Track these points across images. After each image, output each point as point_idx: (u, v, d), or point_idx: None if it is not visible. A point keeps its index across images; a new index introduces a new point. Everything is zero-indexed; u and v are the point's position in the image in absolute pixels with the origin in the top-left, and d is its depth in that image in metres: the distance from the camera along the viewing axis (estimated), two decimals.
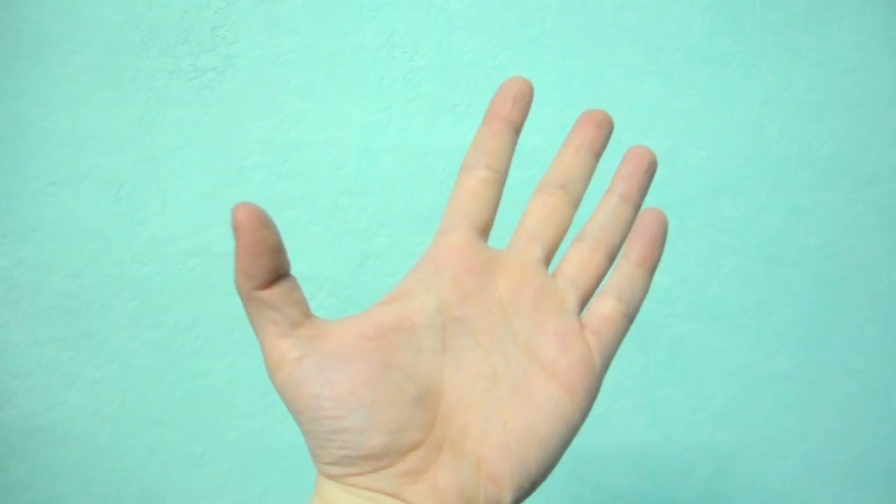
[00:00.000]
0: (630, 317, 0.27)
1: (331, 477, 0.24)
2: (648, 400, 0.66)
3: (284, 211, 0.62)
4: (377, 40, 0.61)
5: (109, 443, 0.63)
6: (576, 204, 0.28)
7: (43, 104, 0.60)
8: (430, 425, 0.24)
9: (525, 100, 0.27)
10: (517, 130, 0.28)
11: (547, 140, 0.63)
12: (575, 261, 0.27)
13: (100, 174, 0.61)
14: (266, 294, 0.23)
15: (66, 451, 0.63)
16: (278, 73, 0.61)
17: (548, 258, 0.27)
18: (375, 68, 0.61)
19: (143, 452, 0.63)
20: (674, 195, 0.64)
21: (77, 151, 0.60)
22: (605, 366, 0.27)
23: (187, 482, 0.64)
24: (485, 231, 0.27)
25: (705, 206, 0.64)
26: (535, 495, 0.71)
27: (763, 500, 0.68)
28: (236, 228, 0.22)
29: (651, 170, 0.28)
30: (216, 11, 0.61)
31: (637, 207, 0.28)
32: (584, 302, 0.27)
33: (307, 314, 0.24)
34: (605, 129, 0.28)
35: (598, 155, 0.29)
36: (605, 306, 0.27)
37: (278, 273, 0.23)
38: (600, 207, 0.28)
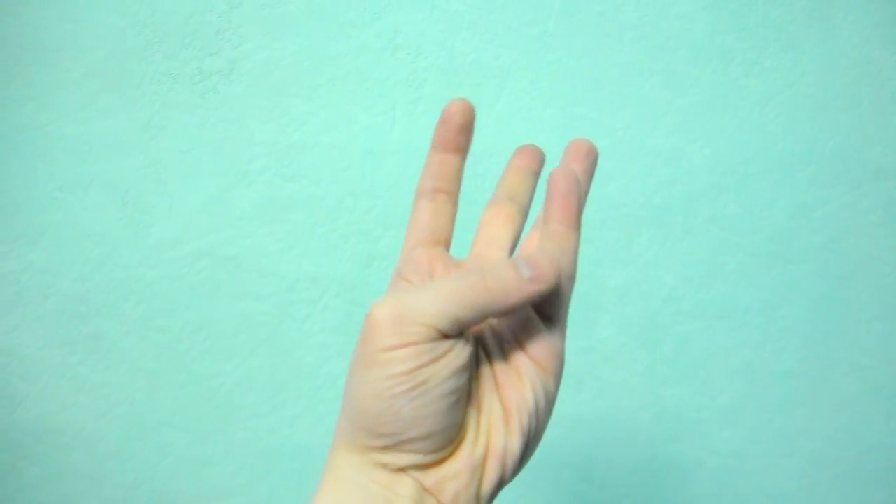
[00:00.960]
0: (571, 277, 0.27)
1: (354, 446, 0.25)
2: (654, 398, 0.66)
3: (289, 213, 0.62)
4: (380, 42, 0.61)
5: (119, 445, 0.63)
6: (524, 213, 0.31)
7: (49, 110, 0.60)
8: (464, 422, 0.26)
9: (468, 128, 0.30)
10: (464, 153, 0.30)
11: (550, 140, 0.63)
12: (526, 246, 0.30)
13: (106, 179, 0.61)
14: None
15: (77, 454, 0.63)
16: (282, 76, 0.61)
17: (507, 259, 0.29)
18: (379, 70, 0.61)
19: (153, 454, 0.64)
20: (678, 193, 0.64)
21: (83, 156, 0.61)
22: (561, 328, 0.28)
23: (196, 483, 0.64)
24: (446, 245, 0.30)
25: (710, 204, 0.64)
26: (544, 492, 0.71)
27: (770, 497, 0.68)
28: None
29: (593, 162, 0.31)
30: (220, 15, 0.61)
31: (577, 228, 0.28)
32: None
33: None
34: (539, 156, 0.32)
35: (537, 175, 0.32)
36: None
37: None
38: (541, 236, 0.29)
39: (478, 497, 0.26)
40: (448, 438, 0.25)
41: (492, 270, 0.25)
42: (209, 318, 0.62)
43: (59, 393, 0.63)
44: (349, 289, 0.63)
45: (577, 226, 0.27)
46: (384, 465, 0.25)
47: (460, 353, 0.25)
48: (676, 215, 0.64)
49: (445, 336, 0.24)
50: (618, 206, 0.64)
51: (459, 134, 0.30)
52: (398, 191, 0.61)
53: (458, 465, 0.25)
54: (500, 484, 0.26)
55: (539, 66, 0.62)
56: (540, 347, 0.27)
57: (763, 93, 0.64)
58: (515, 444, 0.26)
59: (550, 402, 0.27)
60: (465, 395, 0.26)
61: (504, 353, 0.27)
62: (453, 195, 0.30)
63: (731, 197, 0.65)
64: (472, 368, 0.26)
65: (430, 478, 0.25)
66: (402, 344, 0.23)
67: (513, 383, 0.27)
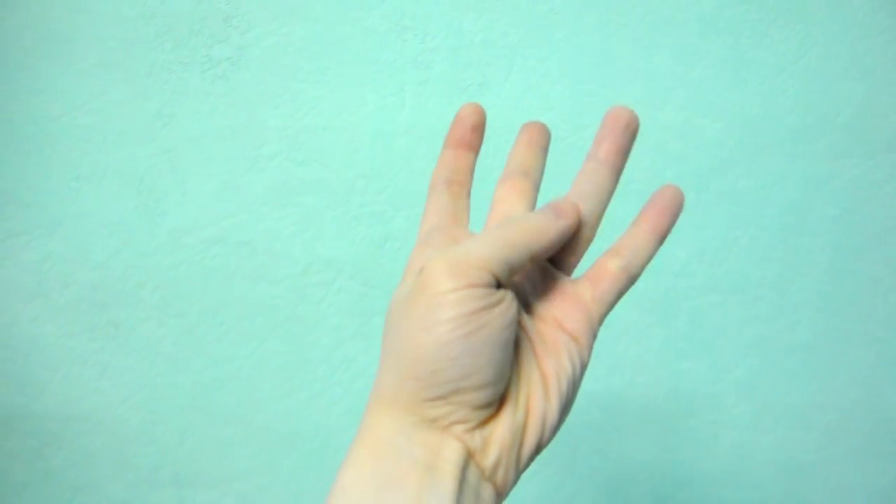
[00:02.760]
0: (631, 275, 0.29)
1: (402, 401, 0.25)
2: (669, 373, 0.66)
3: (302, 197, 0.62)
4: (387, 24, 0.62)
5: (141, 429, 0.65)
6: (537, 187, 0.31)
7: (62, 101, 0.61)
8: (510, 376, 0.26)
9: (480, 128, 0.32)
10: (476, 151, 0.32)
11: (560, 117, 0.63)
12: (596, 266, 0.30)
13: (121, 168, 0.62)
14: None
15: (100, 438, 0.65)
16: (291, 60, 0.61)
17: None
18: (387, 52, 0.61)
19: (174, 437, 0.65)
20: (689, 168, 0.64)
21: (98, 146, 0.61)
22: (602, 314, 0.29)
23: (217, 465, 0.65)
24: (465, 227, 0.31)
25: (721, 178, 0.64)
26: (559, 469, 0.72)
27: (786, 471, 0.68)
28: None
29: (630, 129, 0.30)
30: (228, 2, 0.61)
31: (616, 170, 0.30)
32: (567, 262, 0.30)
33: None
34: (546, 132, 0.32)
35: (545, 150, 0.32)
36: (607, 261, 0.29)
37: None
38: (580, 175, 0.30)
39: (518, 461, 0.26)
40: (497, 393, 0.25)
41: (523, 217, 0.27)
42: (225, 303, 0.63)
43: (80, 379, 0.64)
44: (363, 270, 0.63)
45: (664, 238, 0.30)
46: (432, 422, 0.25)
47: (511, 304, 0.25)
48: (688, 190, 0.64)
49: (498, 282, 0.25)
50: (628, 181, 0.63)
51: (472, 132, 0.31)
52: (409, 172, 0.62)
53: (502, 428, 0.26)
54: (538, 449, 0.27)
55: (547, 44, 0.62)
56: (574, 321, 0.28)
57: (774, 65, 0.63)
58: (554, 409, 0.27)
59: (584, 370, 0.28)
60: (513, 352, 0.26)
61: (540, 328, 0.28)
62: (466, 188, 0.31)
63: (743, 171, 0.64)
64: (517, 329, 0.27)
65: (476, 439, 0.25)
66: (460, 286, 0.24)
67: (550, 353, 0.27)
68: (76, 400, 0.64)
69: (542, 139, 0.32)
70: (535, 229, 0.26)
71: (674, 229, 0.65)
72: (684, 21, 0.63)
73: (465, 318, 0.24)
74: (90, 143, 0.61)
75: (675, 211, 0.30)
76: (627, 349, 0.65)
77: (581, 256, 0.30)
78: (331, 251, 0.63)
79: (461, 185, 0.31)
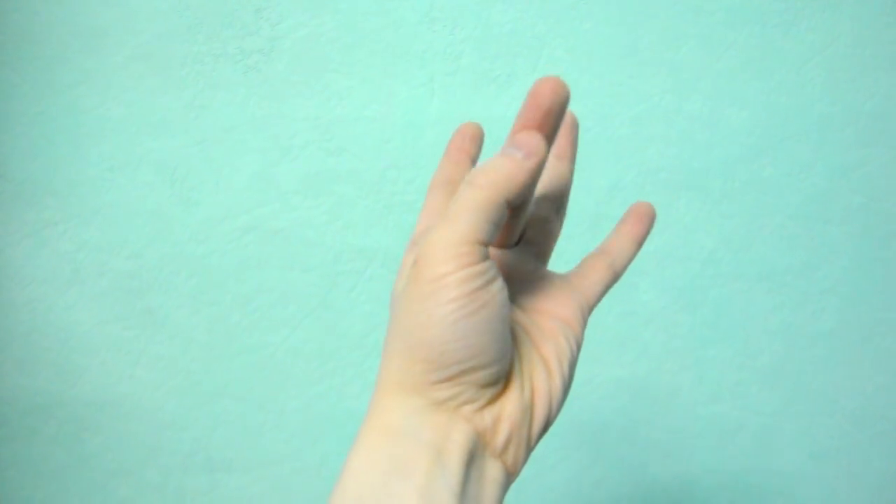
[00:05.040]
0: (615, 272, 0.32)
1: (410, 384, 0.25)
2: (695, 360, 0.66)
3: (333, 186, 0.63)
4: (416, 15, 0.62)
5: (175, 415, 0.66)
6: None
7: (98, 93, 0.62)
8: (512, 354, 0.27)
9: (478, 139, 0.32)
10: (474, 161, 0.33)
11: (588, 107, 0.63)
12: (529, 222, 0.32)
13: (155, 158, 0.63)
14: None
15: (136, 424, 0.66)
16: (322, 52, 0.62)
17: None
18: (416, 43, 0.62)
19: (208, 423, 0.66)
20: (716, 156, 0.64)
21: (132, 137, 0.63)
22: (591, 303, 0.31)
23: (250, 450, 0.66)
24: None
25: (748, 167, 0.65)
26: (587, 454, 0.72)
27: (810, 456, 0.69)
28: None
29: (574, 127, 0.33)
30: None
31: (570, 161, 0.33)
32: (543, 255, 0.32)
33: None
34: (560, 90, 0.32)
35: (563, 108, 0.32)
36: (595, 259, 0.32)
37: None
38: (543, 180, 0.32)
39: (528, 439, 0.27)
40: (502, 370, 0.26)
41: (485, 168, 0.25)
42: (258, 290, 0.64)
43: (116, 366, 0.65)
44: (393, 258, 0.64)
45: (642, 243, 0.32)
46: (441, 404, 0.25)
47: (503, 284, 0.26)
48: (715, 179, 0.64)
49: (487, 249, 0.26)
50: (656, 170, 0.64)
51: (471, 142, 0.32)
52: (438, 162, 0.62)
53: (511, 406, 0.26)
54: (546, 426, 0.28)
55: (575, 35, 0.63)
56: (566, 308, 0.30)
57: (800, 54, 0.64)
58: (558, 387, 0.28)
59: (579, 350, 0.30)
60: (511, 335, 0.27)
61: (536, 320, 0.29)
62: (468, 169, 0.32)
63: (769, 159, 0.65)
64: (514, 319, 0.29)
65: (485, 419, 0.25)
66: (458, 267, 0.24)
67: (547, 339, 0.29)
68: (112, 386, 0.65)
69: (559, 98, 0.31)
70: (506, 178, 0.25)
71: (700, 217, 0.65)
72: (711, 11, 0.63)
73: (467, 297, 0.24)
74: (124, 134, 0.62)
75: (649, 222, 0.33)
76: (654, 336, 0.66)
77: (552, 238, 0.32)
78: (362, 240, 0.64)
79: (457, 186, 0.31)
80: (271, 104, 0.62)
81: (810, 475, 0.69)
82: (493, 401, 0.26)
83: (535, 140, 0.26)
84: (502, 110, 0.62)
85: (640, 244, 0.33)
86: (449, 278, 0.24)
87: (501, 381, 0.26)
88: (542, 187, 0.32)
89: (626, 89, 0.63)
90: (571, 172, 0.33)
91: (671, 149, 0.64)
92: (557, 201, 0.32)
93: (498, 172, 0.25)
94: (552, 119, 0.26)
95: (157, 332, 0.65)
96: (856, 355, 0.67)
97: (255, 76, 0.62)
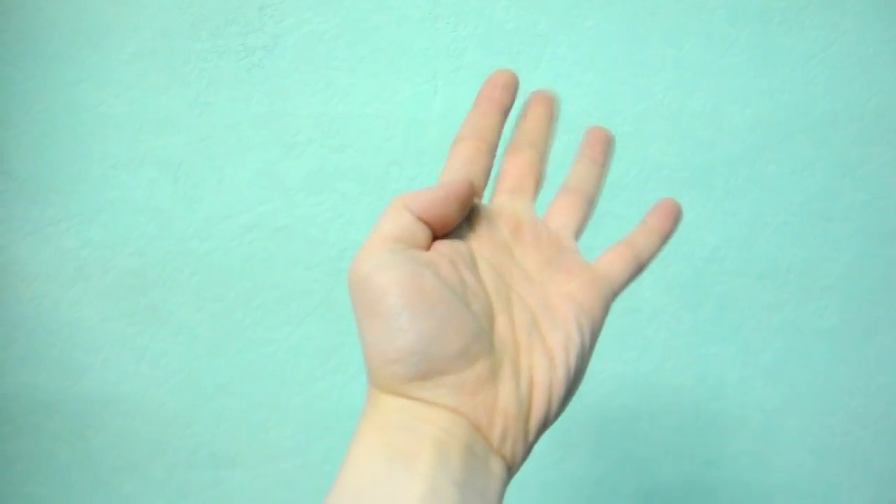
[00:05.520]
0: (640, 264, 0.31)
1: (391, 388, 0.25)
2: (698, 357, 0.67)
3: (336, 183, 0.63)
4: (420, 12, 0.62)
5: (179, 411, 0.66)
6: (544, 160, 0.32)
7: (101, 90, 0.62)
8: (492, 340, 0.26)
9: (511, 88, 0.30)
10: (505, 112, 0.31)
11: (591, 104, 0.63)
12: (562, 208, 0.31)
13: (158, 155, 0.63)
14: None
15: (140, 421, 0.66)
16: (325, 49, 0.62)
17: (532, 206, 0.31)
18: (420, 40, 0.62)
19: (211, 420, 0.66)
20: (719, 154, 0.64)
21: (135, 134, 0.63)
22: (615, 291, 0.30)
23: (253, 447, 0.67)
24: (478, 195, 0.30)
25: (751, 165, 0.65)
26: (589, 451, 0.72)
27: (813, 454, 0.69)
28: None
29: (610, 142, 0.33)
30: None
31: (604, 167, 0.33)
32: (578, 231, 0.31)
33: None
34: (554, 102, 0.33)
35: (556, 119, 0.33)
36: (621, 249, 0.31)
37: None
38: (575, 166, 0.32)
39: (526, 433, 0.26)
40: (473, 354, 0.25)
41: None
42: (262, 287, 0.64)
43: (120, 363, 0.65)
44: None
45: (668, 239, 0.32)
46: (425, 401, 0.24)
47: (443, 263, 0.25)
48: (717, 176, 0.64)
49: (432, 236, 0.26)
50: (658, 167, 0.64)
51: (503, 90, 0.30)
52: (442, 159, 0.62)
53: (505, 399, 0.25)
54: (545, 422, 0.27)
55: (577, 32, 0.63)
56: (587, 294, 0.28)
57: (803, 51, 0.64)
58: (560, 380, 0.26)
59: (594, 340, 0.28)
60: (482, 312, 0.26)
61: (551, 302, 0.28)
62: (489, 146, 0.30)
63: (772, 157, 0.65)
64: (511, 300, 0.28)
65: (479, 412, 0.25)
66: (381, 256, 0.24)
67: (558, 326, 0.27)
68: (116, 383, 0.66)
69: (549, 109, 0.32)
70: (422, 203, 0.26)
71: (703, 214, 0.65)
72: (714, 8, 0.63)
73: (398, 284, 0.24)
74: (128, 131, 0.63)
75: (676, 219, 0.32)
76: (657, 333, 0.66)
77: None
78: (365, 237, 0.64)
79: (484, 142, 0.29)
80: (274, 101, 0.63)
81: (812, 472, 0.69)
82: (483, 393, 0.25)
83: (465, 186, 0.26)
84: None
85: (665, 239, 0.32)
86: (375, 271, 0.24)
87: (479, 365, 0.25)
88: (575, 179, 0.32)
89: (628, 87, 0.63)
90: (602, 175, 0.33)
91: (673, 146, 0.64)
92: (587, 192, 0.32)
93: (427, 194, 0.26)
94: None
95: (161, 329, 0.65)
96: (858, 353, 0.67)
97: (258, 73, 0.62)
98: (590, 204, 0.32)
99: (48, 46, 0.61)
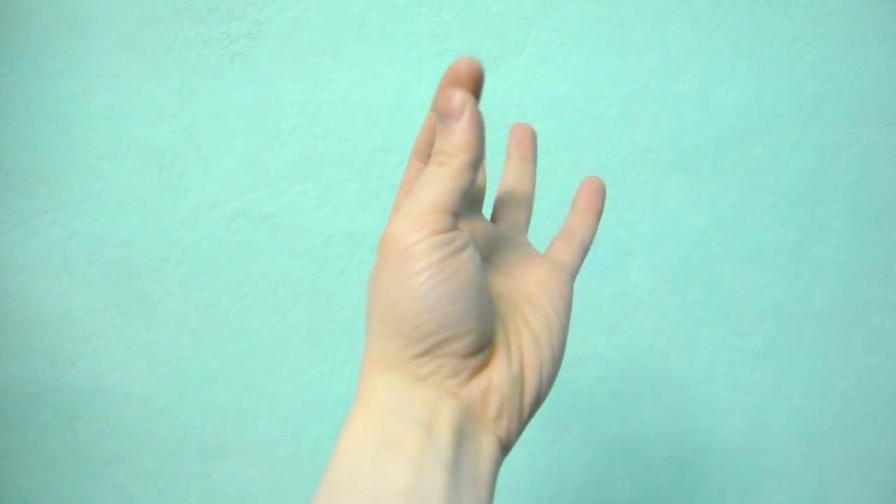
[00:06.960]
0: (584, 248, 0.33)
1: (391, 362, 0.25)
2: (686, 340, 0.66)
3: (321, 170, 0.63)
4: None
5: (167, 401, 0.66)
6: (481, 171, 0.33)
7: (84, 80, 0.62)
8: (495, 326, 0.27)
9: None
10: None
11: (577, 88, 0.63)
12: (506, 208, 0.33)
13: (142, 145, 0.63)
14: None
15: (128, 411, 0.66)
16: (308, 36, 0.62)
17: (481, 213, 0.33)
18: (403, 26, 0.62)
19: (200, 409, 0.66)
20: (706, 136, 0.64)
21: (119, 124, 0.62)
22: (573, 274, 0.32)
23: (243, 436, 0.67)
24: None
25: (738, 146, 0.64)
26: (578, 436, 0.72)
27: (804, 436, 0.69)
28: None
29: (535, 136, 0.35)
30: None
31: (534, 163, 0.34)
32: (524, 229, 0.33)
33: None
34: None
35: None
36: (564, 239, 0.33)
37: None
38: (507, 167, 0.34)
39: (521, 411, 0.27)
40: (481, 339, 0.25)
41: (440, 143, 0.26)
42: (248, 276, 0.64)
43: (108, 354, 0.65)
44: None
45: (600, 215, 0.33)
46: (425, 380, 0.25)
47: (475, 249, 0.26)
48: (705, 158, 0.64)
49: (456, 218, 0.25)
50: (646, 150, 0.64)
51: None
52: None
53: (499, 378, 0.26)
54: (538, 399, 0.28)
55: (562, 15, 0.62)
56: (552, 278, 0.30)
57: (790, 32, 0.63)
58: (547, 356, 0.28)
59: (568, 318, 0.30)
60: (490, 298, 0.27)
61: (525, 290, 0.29)
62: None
63: (760, 139, 0.64)
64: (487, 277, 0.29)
65: (473, 392, 0.25)
66: (425, 236, 0.24)
67: (536, 309, 0.29)
68: (104, 373, 0.65)
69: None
70: (464, 148, 0.25)
71: (690, 197, 0.65)
72: None
73: (436, 266, 0.24)
74: (112, 121, 0.62)
75: (602, 194, 0.34)
76: (645, 317, 0.66)
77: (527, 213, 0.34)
78: (351, 223, 0.64)
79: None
80: (258, 89, 0.62)
81: (802, 455, 0.69)
82: (478, 372, 0.26)
83: (457, 93, 0.25)
84: (490, 91, 0.62)
85: (599, 215, 0.33)
86: (417, 247, 0.24)
87: (483, 350, 0.26)
88: (511, 180, 0.34)
89: (614, 69, 0.63)
90: (533, 170, 0.34)
91: (660, 129, 0.64)
92: (523, 190, 0.33)
93: (457, 140, 0.25)
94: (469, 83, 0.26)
95: (149, 319, 0.65)
96: (848, 334, 0.67)
97: (241, 61, 0.62)
98: (530, 199, 0.34)
99: (31, 37, 0.61)
